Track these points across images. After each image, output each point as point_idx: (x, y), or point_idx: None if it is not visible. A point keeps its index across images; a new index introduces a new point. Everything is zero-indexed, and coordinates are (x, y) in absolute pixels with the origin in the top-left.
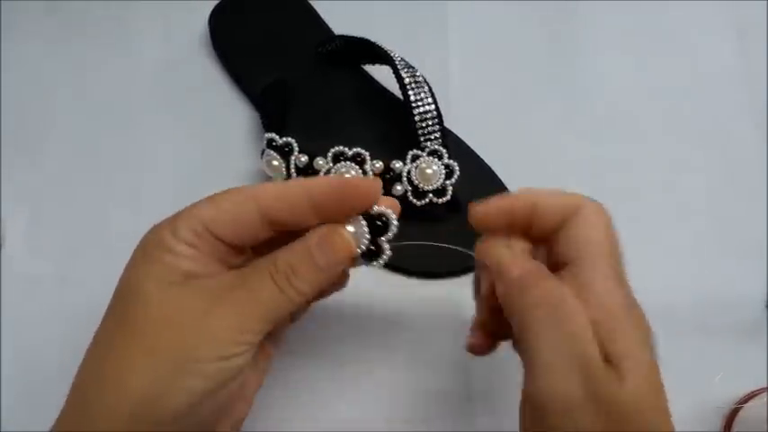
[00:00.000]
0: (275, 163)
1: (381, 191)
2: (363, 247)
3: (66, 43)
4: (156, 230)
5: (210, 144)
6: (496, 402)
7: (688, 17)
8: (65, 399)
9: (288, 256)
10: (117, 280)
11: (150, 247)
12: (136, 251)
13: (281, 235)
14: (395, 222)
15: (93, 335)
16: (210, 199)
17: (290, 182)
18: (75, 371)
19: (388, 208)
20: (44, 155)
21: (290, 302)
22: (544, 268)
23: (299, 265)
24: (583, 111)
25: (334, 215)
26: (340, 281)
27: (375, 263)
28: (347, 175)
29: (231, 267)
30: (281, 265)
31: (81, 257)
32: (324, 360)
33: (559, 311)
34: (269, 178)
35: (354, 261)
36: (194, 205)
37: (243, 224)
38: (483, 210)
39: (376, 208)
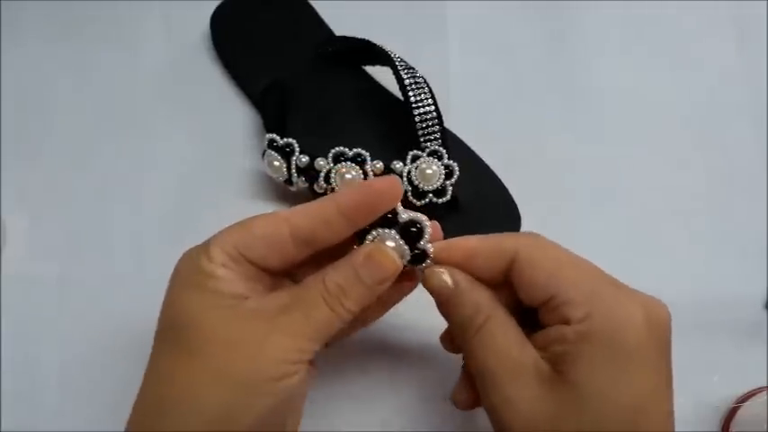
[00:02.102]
0: (276, 163)
1: (402, 187)
2: (408, 258)
3: (66, 43)
4: (190, 257)
5: (211, 144)
6: None
7: (688, 17)
8: (67, 397)
9: (336, 276)
10: (117, 280)
11: (189, 273)
12: (174, 279)
13: (313, 257)
14: (427, 225)
15: (93, 334)
16: (241, 224)
17: (317, 199)
18: (75, 371)
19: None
20: (44, 155)
21: (340, 321)
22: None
23: (347, 286)
24: (583, 111)
25: (365, 220)
26: (402, 291)
27: (424, 264)
28: (347, 176)
29: (270, 289)
30: (330, 287)
31: (81, 258)
32: (323, 360)
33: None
34: (270, 179)
35: (406, 272)
36: (225, 230)
37: (275, 247)
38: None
39: (405, 215)
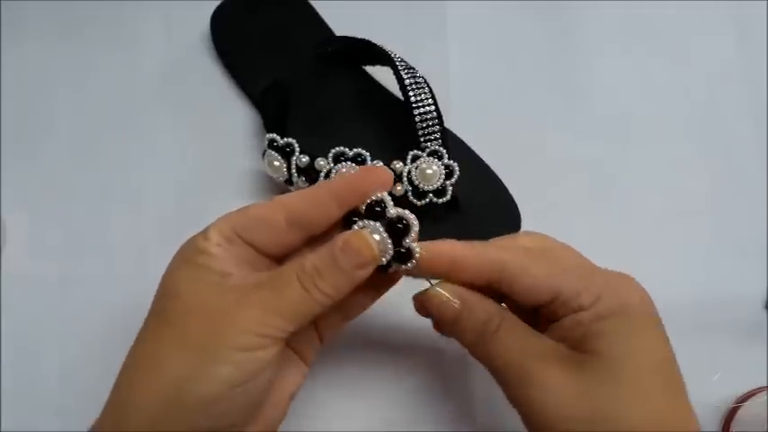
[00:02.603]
0: (276, 163)
1: (393, 176)
2: (391, 254)
3: (66, 43)
4: (190, 239)
5: (211, 144)
6: (497, 402)
7: (688, 17)
8: (67, 396)
9: (314, 258)
10: (117, 280)
11: (186, 252)
12: (174, 258)
13: (308, 244)
14: (415, 223)
15: (93, 334)
16: (241, 208)
17: (313, 186)
18: (75, 371)
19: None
20: (44, 155)
21: (314, 303)
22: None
23: (324, 268)
24: (583, 111)
25: (354, 201)
26: (371, 294)
27: (409, 264)
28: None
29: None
30: (307, 267)
31: (81, 258)
32: (322, 360)
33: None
34: (270, 179)
35: (385, 267)
36: (226, 214)
37: (269, 228)
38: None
39: (393, 211)
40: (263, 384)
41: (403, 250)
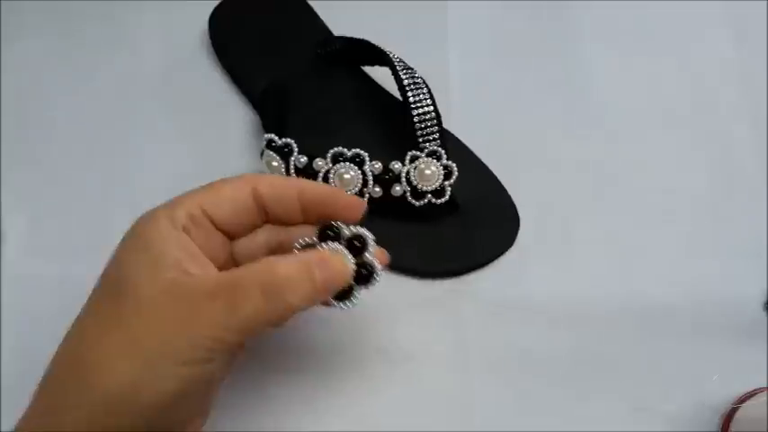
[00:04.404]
0: (275, 164)
1: (365, 209)
2: (353, 275)
3: (66, 43)
4: (151, 214)
5: (210, 144)
6: (497, 402)
7: (687, 17)
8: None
9: (287, 269)
10: None
11: (144, 231)
12: (129, 233)
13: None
14: (371, 241)
15: None
16: (210, 184)
17: (287, 178)
18: None
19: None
20: (44, 155)
21: (273, 315)
22: None
23: (297, 281)
24: (582, 111)
25: (316, 215)
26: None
27: (371, 284)
28: (346, 176)
29: (220, 266)
30: (279, 276)
31: (81, 257)
32: (323, 360)
33: None
34: None
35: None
36: (193, 190)
37: (239, 208)
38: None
39: (348, 231)
40: (208, 389)
41: (364, 272)
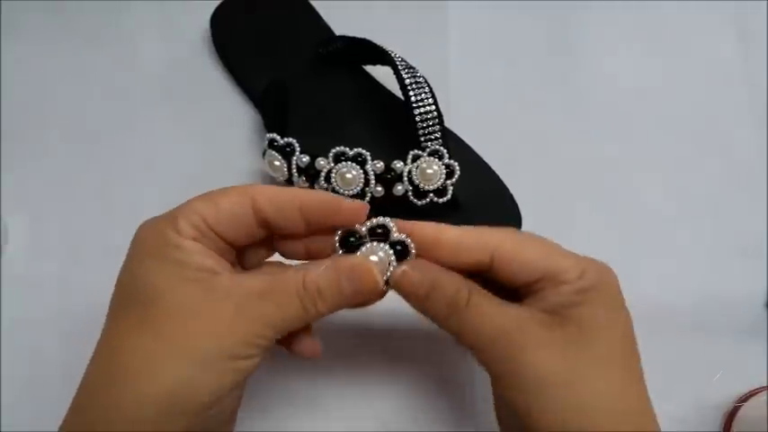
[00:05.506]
0: (277, 163)
1: (367, 213)
2: (388, 274)
3: (66, 43)
4: (154, 227)
5: (212, 144)
6: None
7: (688, 17)
8: (67, 397)
9: (316, 278)
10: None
11: (154, 243)
12: (136, 248)
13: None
14: (413, 250)
15: (93, 334)
16: (208, 197)
17: (286, 188)
18: (75, 371)
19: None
20: (44, 155)
21: (309, 319)
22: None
23: (326, 290)
24: (582, 110)
25: (322, 227)
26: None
27: (410, 256)
28: (348, 175)
29: (234, 264)
30: (309, 287)
31: (82, 258)
32: (322, 360)
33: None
34: (270, 178)
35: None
36: (192, 202)
37: (240, 223)
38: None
39: (396, 235)
40: (244, 386)
41: (398, 248)
